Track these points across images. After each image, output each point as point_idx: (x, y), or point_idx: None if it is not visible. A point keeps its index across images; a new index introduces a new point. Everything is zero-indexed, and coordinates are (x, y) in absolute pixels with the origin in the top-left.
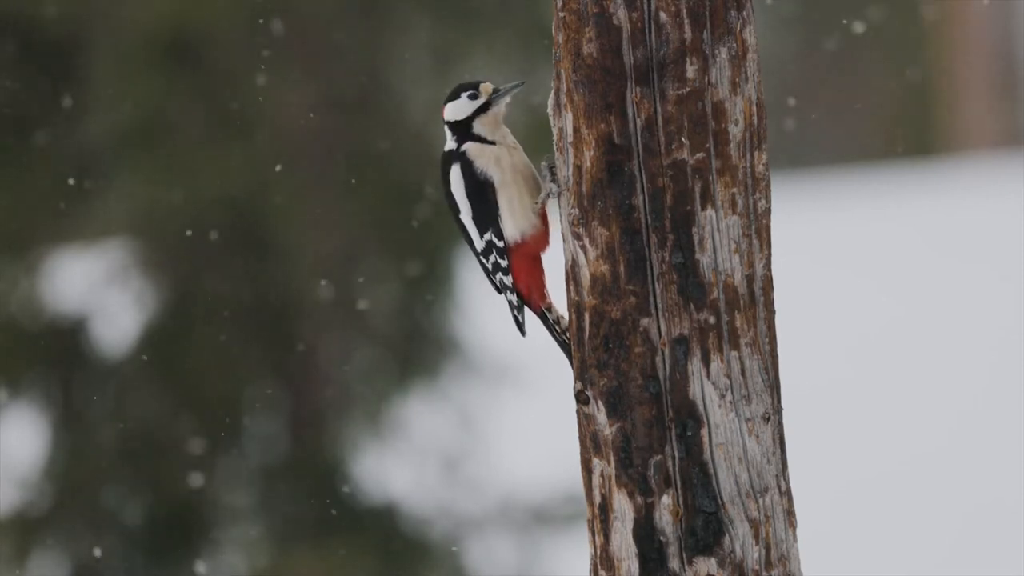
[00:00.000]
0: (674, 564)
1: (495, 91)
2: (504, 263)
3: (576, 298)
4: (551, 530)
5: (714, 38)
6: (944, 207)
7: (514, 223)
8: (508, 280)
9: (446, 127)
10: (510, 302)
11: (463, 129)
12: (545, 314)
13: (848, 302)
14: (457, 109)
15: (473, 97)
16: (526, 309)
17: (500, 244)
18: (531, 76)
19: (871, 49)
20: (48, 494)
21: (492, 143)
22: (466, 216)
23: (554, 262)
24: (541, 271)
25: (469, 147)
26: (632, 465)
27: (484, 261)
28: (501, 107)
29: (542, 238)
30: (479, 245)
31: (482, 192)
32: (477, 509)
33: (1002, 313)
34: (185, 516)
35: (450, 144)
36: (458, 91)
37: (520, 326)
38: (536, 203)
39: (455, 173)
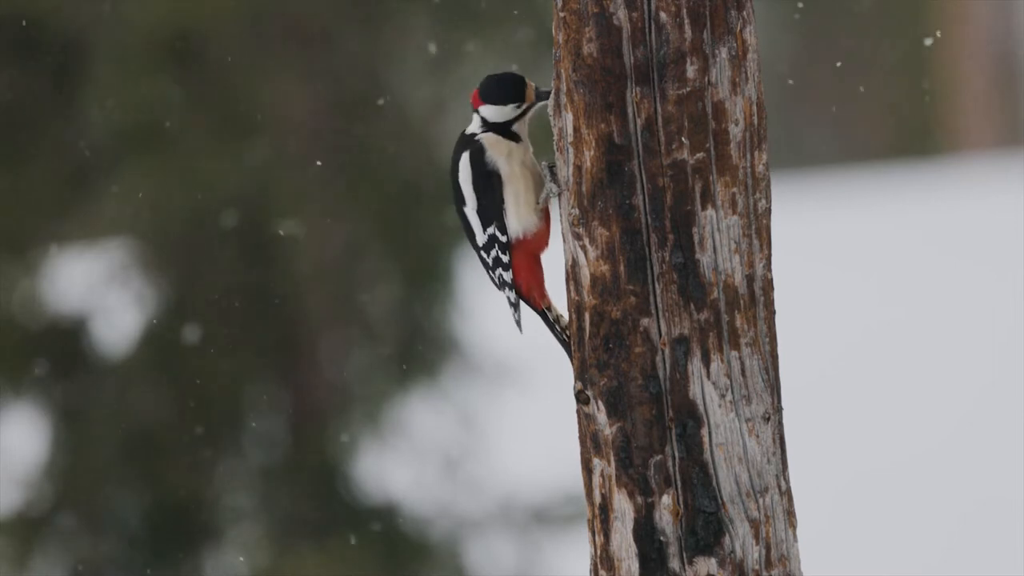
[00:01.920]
0: (674, 564)
1: (536, 92)
2: (505, 259)
3: (576, 298)
4: (551, 530)
5: (714, 38)
6: (944, 207)
7: (518, 219)
8: (508, 276)
9: (477, 115)
10: (508, 299)
11: (497, 126)
12: (545, 312)
13: (848, 302)
14: (500, 114)
15: (519, 107)
16: (524, 306)
17: (503, 239)
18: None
19: (871, 49)
20: (48, 494)
21: (514, 138)
22: (470, 208)
23: (554, 262)
24: (541, 269)
25: (485, 137)
26: (632, 465)
27: (485, 256)
28: (533, 110)
29: (543, 236)
30: (481, 239)
31: (488, 184)
32: (477, 509)
33: (1002, 313)
34: (185, 516)
35: (473, 127)
36: (505, 96)
37: (518, 323)
38: (539, 201)
39: (464, 162)
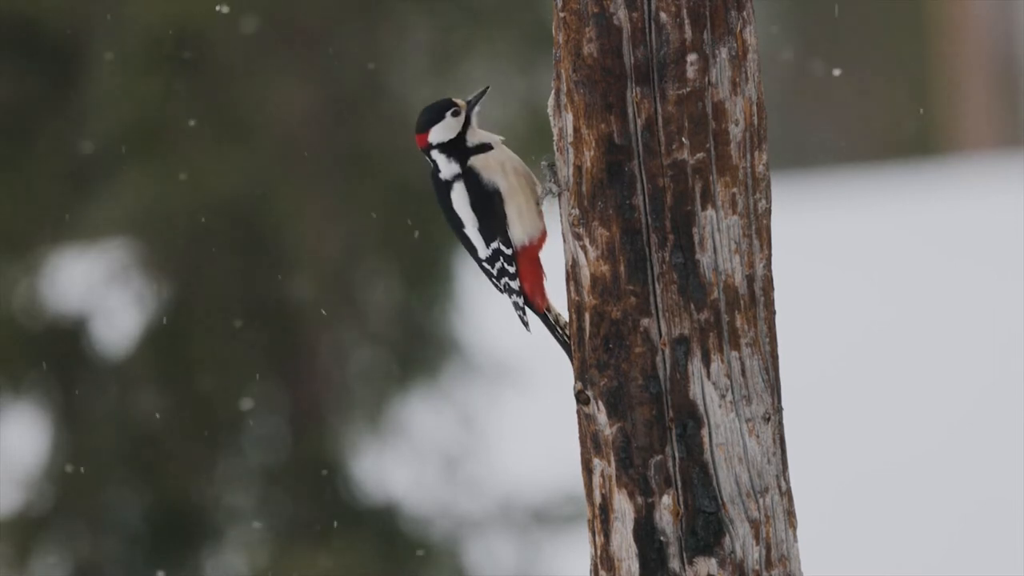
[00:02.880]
0: (674, 564)
1: (467, 103)
2: (512, 269)
3: (576, 298)
4: (551, 530)
5: (714, 38)
6: (944, 207)
7: (523, 229)
8: (515, 284)
9: (435, 151)
10: (516, 303)
11: (456, 146)
12: (546, 315)
13: (848, 302)
14: (447, 129)
15: (456, 114)
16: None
17: (508, 251)
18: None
19: (871, 49)
20: (49, 494)
21: (490, 147)
22: (471, 228)
23: (554, 262)
24: (541, 269)
25: (474, 161)
26: (632, 465)
27: (488, 267)
28: (474, 116)
29: (543, 238)
30: (484, 253)
31: (489, 203)
32: (477, 509)
33: (1002, 312)
34: (185, 516)
35: (453, 169)
36: (440, 113)
37: (526, 324)
38: (539, 206)
39: (459, 190)
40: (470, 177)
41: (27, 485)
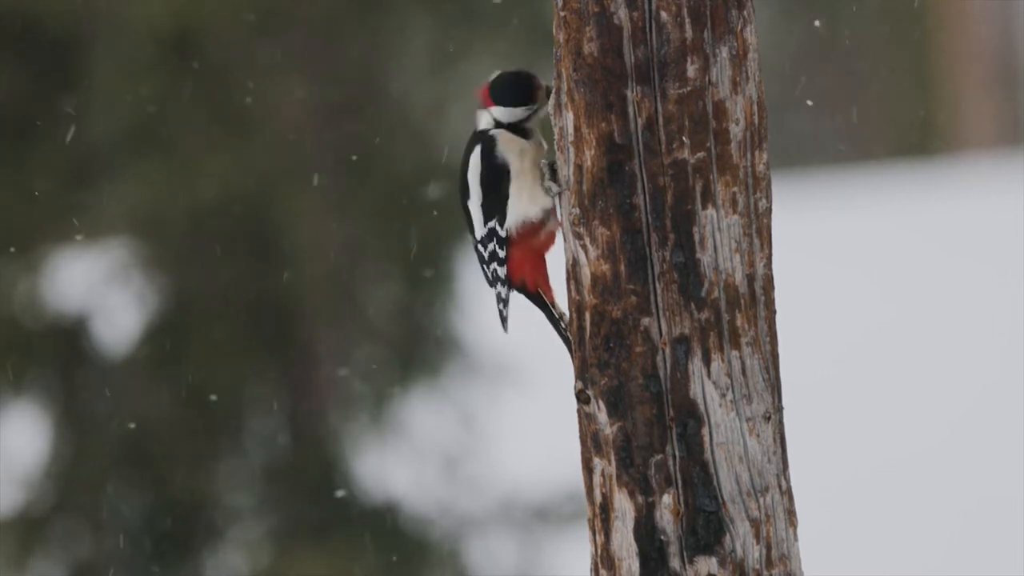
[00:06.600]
0: (675, 563)
1: (548, 91)
2: (502, 253)
3: (577, 297)
4: (552, 529)
5: (715, 37)
6: (944, 207)
7: (522, 212)
8: (502, 272)
9: (487, 113)
10: (499, 295)
11: (507, 124)
12: (550, 307)
13: (848, 301)
14: (510, 115)
15: (529, 108)
16: (515, 306)
17: (502, 234)
18: None
19: (871, 48)
20: (49, 493)
21: (525, 135)
22: (474, 202)
23: (554, 262)
24: (544, 266)
25: (499, 133)
26: (633, 464)
27: (482, 250)
28: (545, 110)
29: (550, 237)
30: (480, 232)
31: (496, 180)
32: (478, 508)
33: (1002, 312)
34: (185, 516)
35: (485, 123)
36: (515, 99)
37: (504, 321)
38: (548, 198)
39: (474, 157)
40: (487, 146)
41: (27, 485)
